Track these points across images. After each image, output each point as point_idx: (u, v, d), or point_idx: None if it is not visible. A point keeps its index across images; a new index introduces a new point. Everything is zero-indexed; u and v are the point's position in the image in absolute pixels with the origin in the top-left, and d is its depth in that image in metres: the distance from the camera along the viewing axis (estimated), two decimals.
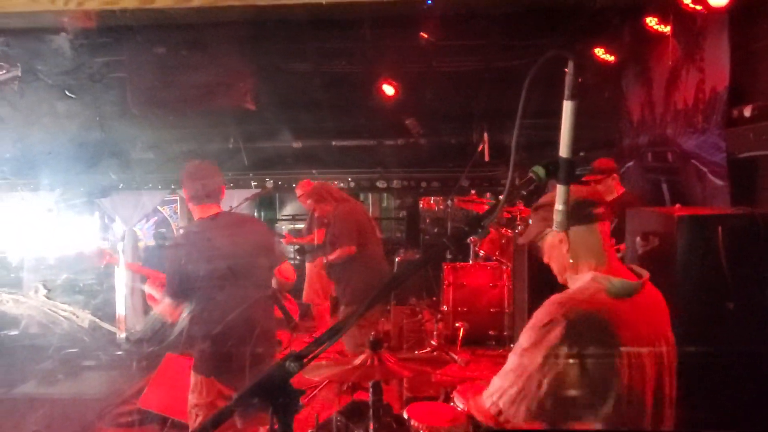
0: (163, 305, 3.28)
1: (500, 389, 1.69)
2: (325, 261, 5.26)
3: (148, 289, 3.45)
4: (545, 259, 1.96)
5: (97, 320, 5.29)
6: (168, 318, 3.27)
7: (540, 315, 1.71)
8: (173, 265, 3.27)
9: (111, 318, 6.58)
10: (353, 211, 5.19)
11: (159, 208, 10.53)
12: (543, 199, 1.94)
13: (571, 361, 1.62)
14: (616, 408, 1.63)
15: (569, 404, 1.64)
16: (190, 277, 3.20)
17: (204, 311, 3.25)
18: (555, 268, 1.93)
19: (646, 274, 1.85)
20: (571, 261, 1.86)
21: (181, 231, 3.51)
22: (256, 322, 3.41)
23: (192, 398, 3.34)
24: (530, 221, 2.00)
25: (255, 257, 3.46)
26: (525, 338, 1.70)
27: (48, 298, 4.60)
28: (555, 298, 1.75)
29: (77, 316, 4.84)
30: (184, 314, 3.31)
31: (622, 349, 1.64)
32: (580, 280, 1.83)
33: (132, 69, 5.74)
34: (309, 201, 5.42)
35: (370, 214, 10.00)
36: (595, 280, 1.78)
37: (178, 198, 8.91)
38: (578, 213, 1.81)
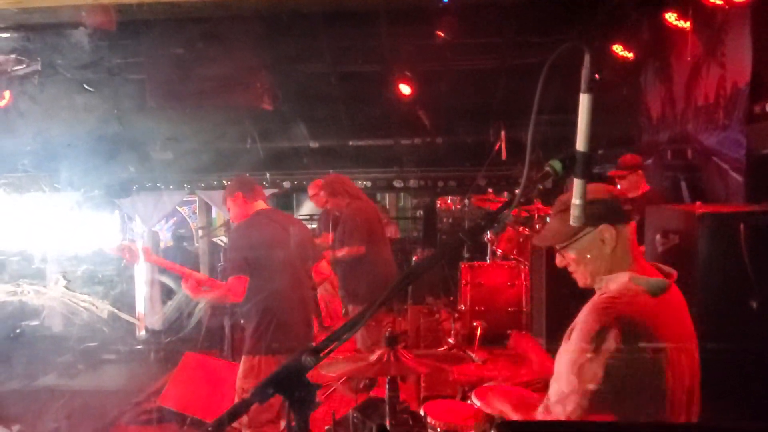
0: (223, 288, 3.50)
1: (561, 396, 1.68)
2: (332, 258, 5.25)
3: (185, 290, 3.56)
4: (572, 262, 1.88)
5: (116, 311, 5.37)
6: (229, 299, 3.53)
7: (589, 324, 1.69)
8: (240, 244, 3.57)
9: (130, 309, 6.70)
10: (364, 210, 5.16)
11: (178, 208, 10.64)
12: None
13: (628, 364, 1.63)
14: (665, 404, 1.67)
15: (628, 406, 1.65)
16: (255, 258, 3.46)
17: (264, 293, 3.47)
18: (587, 270, 1.85)
19: (673, 272, 1.85)
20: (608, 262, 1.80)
21: (244, 221, 3.73)
22: (307, 309, 3.80)
23: (246, 383, 3.49)
24: (554, 221, 1.92)
25: (305, 249, 3.88)
26: (577, 349, 1.68)
27: (68, 289, 4.68)
28: (599, 304, 1.73)
29: (96, 307, 4.91)
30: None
31: (667, 346, 1.67)
32: (614, 282, 1.80)
33: (148, 64, 5.79)
34: (322, 193, 5.41)
35: (388, 214, 10.05)
36: (633, 281, 1.77)
37: (197, 198, 8.99)
38: (617, 210, 1.80)
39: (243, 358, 3.59)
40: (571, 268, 1.89)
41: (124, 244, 3.84)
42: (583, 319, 1.71)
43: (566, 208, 1.82)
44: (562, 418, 1.64)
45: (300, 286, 3.77)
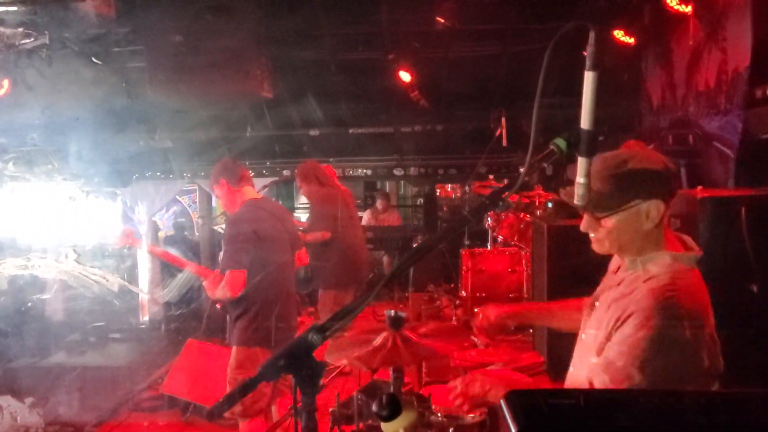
0: (225, 283, 3.41)
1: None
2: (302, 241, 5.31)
3: (205, 285, 3.59)
4: (604, 231, 1.68)
5: (127, 284, 5.40)
6: (232, 293, 3.41)
7: (654, 318, 1.55)
8: (237, 237, 3.50)
9: (139, 282, 6.75)
10: (331, 198, 5.23)
11: (178, 197, 10.63)
12: (631, 165, 1.63)
13: (695, 345, 1.57)
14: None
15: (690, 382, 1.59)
16: (252, 251, 3.45)
17: (260, 285, 3.46)
18: (618, 243, 1.70)
19: (695, 246, 1.80)
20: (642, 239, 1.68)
21: (238, 212, 3.68)
22: (295, 298, 3.86)
23: (240, 373, 3.47)
24: (601, 184, 1.62)
25: (295, 238, 3.90)
26: (640, 343, 1.54)
27: (78, 262, 4.70)
28: (660, 295, 1.58)
29: (107, 280, 4.94)
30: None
31: (712, 320, 1.65)
32: (655, 264, 1.67)
33: (149, 46, 5.72)
34: (297, 180, 5.45)
35: (389, 201, 10.04)
36: (677, 260, 1.67)
37: (197, 187, 8.97)
38: (671, 185, 1.69)
39: (236, 348, 3.56)
40: (596, 235, 1.73)
41: (124, 230, 3.85)
42: (642, 312, 1.57)
43: (618, 174, 1.61)
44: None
45: (291, 276, 3.83)
